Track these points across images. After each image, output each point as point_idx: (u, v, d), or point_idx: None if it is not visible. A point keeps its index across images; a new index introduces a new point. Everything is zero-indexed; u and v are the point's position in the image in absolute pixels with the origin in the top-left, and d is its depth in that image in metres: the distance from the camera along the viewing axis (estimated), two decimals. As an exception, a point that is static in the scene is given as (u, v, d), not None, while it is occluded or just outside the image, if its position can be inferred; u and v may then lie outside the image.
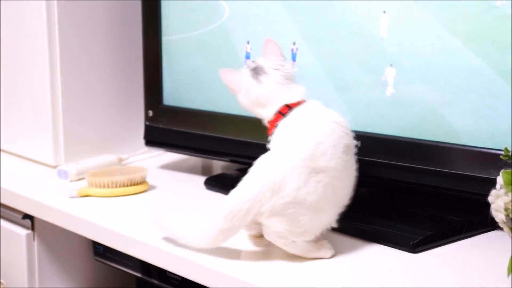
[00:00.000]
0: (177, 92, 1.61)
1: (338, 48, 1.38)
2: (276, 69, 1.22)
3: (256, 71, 1.22)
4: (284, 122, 1.19)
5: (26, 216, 1.59)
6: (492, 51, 1.20)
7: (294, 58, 1.45)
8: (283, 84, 1.21)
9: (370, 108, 1.34)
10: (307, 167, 1.11)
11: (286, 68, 1.22)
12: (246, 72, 1.23)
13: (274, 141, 1.19)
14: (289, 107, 1.20)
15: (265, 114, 1.23)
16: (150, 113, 1.64)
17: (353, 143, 1.19)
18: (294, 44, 1.44)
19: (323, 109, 1.20)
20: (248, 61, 1.24)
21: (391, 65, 1.29)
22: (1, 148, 1.82)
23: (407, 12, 1.31)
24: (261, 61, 1.23)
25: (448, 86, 1.24)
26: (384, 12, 1.32)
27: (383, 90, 1.31)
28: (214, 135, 1.40)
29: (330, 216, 1.16)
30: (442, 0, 1.24)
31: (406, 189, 1.38)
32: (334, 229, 1.27)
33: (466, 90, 1.22)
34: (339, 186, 1.16)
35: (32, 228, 1.60)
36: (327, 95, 1.38)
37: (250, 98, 1.23)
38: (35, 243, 1.61)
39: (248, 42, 1.51)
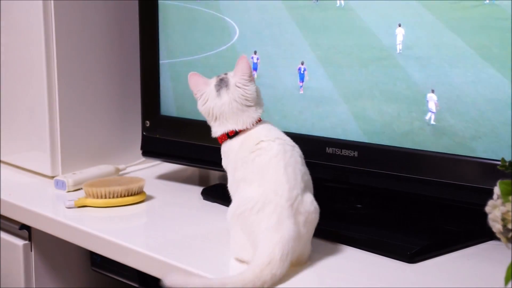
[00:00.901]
0: (174, 102, 1.61)
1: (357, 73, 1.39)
2: (238, 87, 1.21)
3: (221, 83, 1.23)
4: (231, 145, 1.21)
5: (23, 226, 1.59)
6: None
7: (302, 78, 1.46)
8: (240, 105, 1.21)
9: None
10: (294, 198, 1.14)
11: (248, 89, 1.21)
12: (213, 82, 1.24)
13: (229, 165, 1.22)
14: (236, 132, 1.21)
15: (214, 130, 1.24)
16: (148, 123, 1.64)
17: (301, 154, 1.20)
18: (302, 64, 1.45)
19: (267, 131, 1.20)
20: (221, 74, 1.25)
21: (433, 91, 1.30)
22: (-2, 158, 1.82)
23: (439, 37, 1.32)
24: (230, 75, 1.23)
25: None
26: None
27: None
28: (212, 145, 1.40)
29: None
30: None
31: (403, 199, 1.38)
32: (331, 239, 1.27)
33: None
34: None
35: (29, 239, 1.60)
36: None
37: (206, 108, 1.24)
38: (32, 253, 1.60)
39: (255, 52, 1.52)
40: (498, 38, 1.25)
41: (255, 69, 1.52)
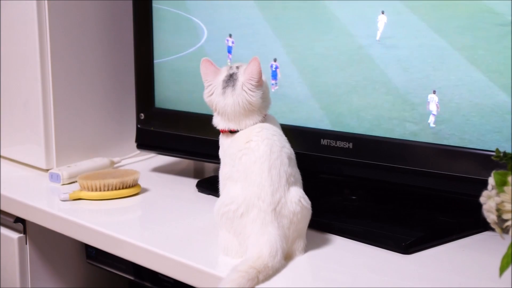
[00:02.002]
0: (168, 94, 1.61)
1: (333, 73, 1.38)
2: (244, 91, 1.20)
3: (229, 79, 1.21)
4: (227, 137, 1.21)
5: (18, 219, 1.59)
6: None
7: (274, 76, 1.45)
8: (243, 109, 1.20)
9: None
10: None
11: (253, 95, 1.19)
12: (223, 74, 1.23)
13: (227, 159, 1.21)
14: (237, 131, 1.21)
15: (216, 121, 1.23)
16: (142, 116, 1.64)
17: (290, 154, 1.19)
18: (274, 60, 1.44)
19: (260, 130, 1.19)
20: (234, 65, 1.23)
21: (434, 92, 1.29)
22: (-7, 151, 1.82)
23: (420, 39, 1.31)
24: (241, 73, 1.21)
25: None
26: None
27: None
28: (206, 137, 1.40)
29: None
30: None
31: (398, 191, 1.38)
32: (326, 230, 1.27)
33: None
34: None
35: (24, 232, 1.60)
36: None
37: (210, 101, 1.23)
38: (27, 246, 1.60)
39: (230, 36, 1.51)
40: (484, 38, 1.23)
41: (229, 52, 1.50)
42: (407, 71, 1.31)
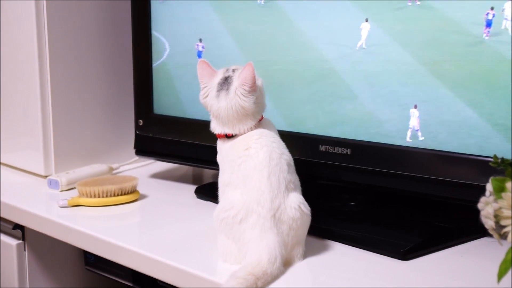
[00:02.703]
0: (167, 101, 1.61)
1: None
2: (237, 96, 1.20)
3: (224, 82, 1.21)
4: (225, 142, 1.22)
5: (17, 226, 1.58)
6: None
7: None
8: (237, 113, 1.20)
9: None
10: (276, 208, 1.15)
11: (245, 101, 1.20)
12: (219, 76, 1.23)
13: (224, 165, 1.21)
14: (233, 135, 1.21)
15: (213, 125, 1.24)
16: (141, 122, 1.64)
17: (290, 161, 1.20)
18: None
19: (259, 137, 1.19)
20: (230, 68, 1.24)
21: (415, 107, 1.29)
22: (-9, 158, 1.82)
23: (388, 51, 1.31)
24: (236, 76, 1.22)
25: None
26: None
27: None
28: (205, 144, 1.40)
29: None
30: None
31: (396, 197, 1.38)
32: (325, 237, 1.27)
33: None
34: None
35: (23, 238, 1.60)
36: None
37: (205, 103, 1.24)
38: (26, 253, 1.60)
39: (200, 40, 1.51)
40: (450, 53, 1.23)
41: (199, 57, 1.51)
42: (374, 87, 1.30)
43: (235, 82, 1.21)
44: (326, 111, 1.35)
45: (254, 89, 1.20)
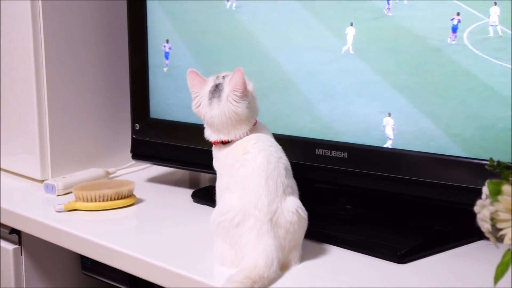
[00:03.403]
0: (164, 105, 1.61)
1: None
2: (230, 102, 1.20)
3: (215, 90, 1.22)
4: (222, 148, 1.22)
5: (13, 230, 1.58)
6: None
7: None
8: (230, 120, 1.20)
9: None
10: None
11: (238, 107, 1.20)
12: (209, 84, 1.23)
13: (222, 170, 1.21)
14: (229, 141, 1.21)
15: (207, 133, 1.24)
16: (137, 126, 1.64)
17: (287, 166, 1.20)
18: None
19: (256, 141, 1.20)
20: (220, 74, 1.24)
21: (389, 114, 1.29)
22: (-12, 162, 1.81)
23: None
24: (226, 83, 1.22)
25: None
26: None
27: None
28: (202, 147, 1.40)
29: None
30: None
31: (393, 200, 1.38)
32: (322, 240, 1.27)
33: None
34: None
35: (19, 243, 1.60)
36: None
37: (198, 112, 1.24)
38: (23, 257, 1.60)
39: (167, 41, 1.51)
40: (407, 63, 1.23)
41: (167, 58, 1.51)
42: (332, 98, 1.30)
43: (226, 89, 1.21)
44: (284, 123, 1.35)
45: (245, 94, 1.20)
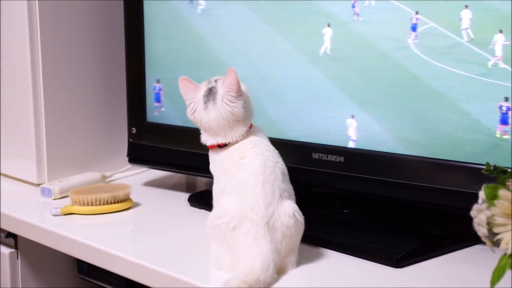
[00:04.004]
0: (160, 109, 1.61)
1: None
2: (225, 103, 1.20)
3: (209, 94, 1.22)
4: (219, 152, 1.22)
5: (10, 234, 1.58)
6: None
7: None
8: (227, 121, 1.20)
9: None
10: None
11: (234, 106, 1.20)
12: (202, 89, 1.23)
13: (219, 174, 1.21)
14: (226, 144, 1.21)
15: (204, 138, 1.24)
16: (134, 130, 1.64)
17: (285, 169, 1.20)
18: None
19: (253, 146, 1.20)
20: (212, 79, 1.24)
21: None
22: (-16, 166, 1.81)
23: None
24: (219, 85, 1.22)
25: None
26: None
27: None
28: (198, 151, 1.40)
29: None
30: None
31: (389, 204, 1.39)
32: (318, 244, 1.27)
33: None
34: None
35: (16, 247, 1.59)
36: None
37: (194, 118, 1.24)
38: (19, 261, 1.60)
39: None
40: (355, 67, 1.23)
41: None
42: (283, 104, 1.31)
43: (220, 91, 1.21)
44: None
45: (240, 94, 1.21)
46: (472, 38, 1.17)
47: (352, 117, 1.27)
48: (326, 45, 1.30)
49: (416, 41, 1.20)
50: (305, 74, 1.27)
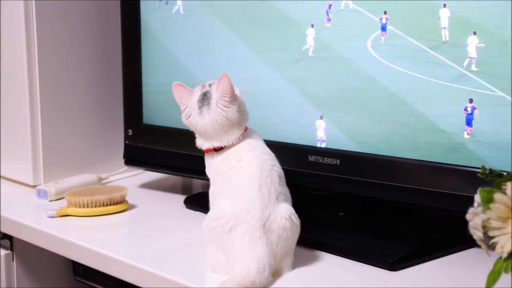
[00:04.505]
0: (156, 111, 1.61)
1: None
2: (220, 108, 1.20)
3: (203, 99, 1.22)
4: (215, 156, 1.22)
5: (5, 236, 1.58)
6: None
7: None
8: (222, 125, 1.20)
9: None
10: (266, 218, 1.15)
11: (229, 111, 1.20)
12: (197, 94, 1.23)
13: (216, 178, 1.21)
14: (222, 147, 1.21)
15: (199, 142, 1.24)
16: (130, 132, 1.64)
17: (282, 172, 1.20)
18: None
19: (250, 148, 1.20)
20: (206, 83, 1.24)
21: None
22: (-20, 167, 1.81)
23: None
24: (213, 89, 1.22)
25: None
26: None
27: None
28: (195, 153, 1.40)
29: None
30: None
31: (385, 207, 1.39)
32: (314, 247, 1.27)
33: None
34: None
35: (11, 248, 1.59)
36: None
37: (189, 123, 1.24)
38: (14, 263, 1.60)
39: None
40: (315, 71, 1.23)
41: None
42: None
43: (215, 95, 1.21)
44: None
45: (234, 98, 1.21)
46: (447, 40, 1.17)
47: (321, 117, 1.27)
48: (310, 45, 1.31)
49: (374, 44, 1.21)
50: (265, 76, 1.27)
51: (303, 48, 1.31)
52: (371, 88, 1.21)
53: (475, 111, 1.15)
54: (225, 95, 1.20)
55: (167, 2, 1.49)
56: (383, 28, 1.20)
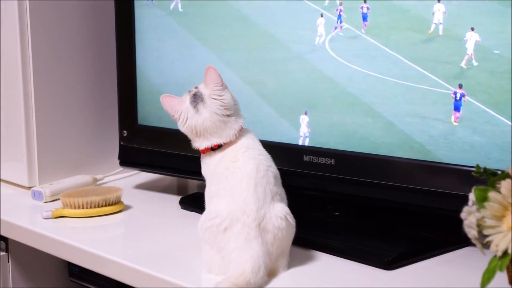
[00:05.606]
0: (151, 111, 1.61)
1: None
2: (214, 99, 1.21)
3: (195, 98, 1.23)
4: (212, 156, 1.22)
5: (1, 237, 1.58)
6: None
7: None
8: (221, 116, 1.21)
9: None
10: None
11: (224, 98, 1.22)
12: (186, 99, 1.24)
13: (211, 178, 1.22)
14: (220, 145, 1.22)
15: (197, 144, 1.24)
16: (125, 133, 1.64)
17: (277, 173, 1.21)
18: None
19: (246, 149, 1.20)
20: (192, 88, 1.25)
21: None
22: (-25, 169, 1.81)
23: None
24: (201, 88, 1.23)
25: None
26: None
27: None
28: (190, 154, 1.40)
29: None
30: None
31: (380, 207, 1.39)
32: (309, 247, 1.27)
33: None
34: None
35: (7, 250, 1.59)
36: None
37: (188, 127, 1.24)
38: (10, 264, 1.60)
39: None
40: (272, 72, 1.23)
41: None
42: None
43: (205, 91, 1.22)
44: None
45: (225, 86, 1.22)
46: (441, 35, 1.17)
47: (306, 113, 1.27)
48: (323, 36, 1.30)
49: (330, 44, 1.20)
50: (228, 78, 1.28)
51: (317, 41, 1.31)
52: (329, 88, 1.20)
53: (464, 98, 1.16)
54: (216, 84, 1.21)
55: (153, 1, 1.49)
56: (364, 18, 1.20)
